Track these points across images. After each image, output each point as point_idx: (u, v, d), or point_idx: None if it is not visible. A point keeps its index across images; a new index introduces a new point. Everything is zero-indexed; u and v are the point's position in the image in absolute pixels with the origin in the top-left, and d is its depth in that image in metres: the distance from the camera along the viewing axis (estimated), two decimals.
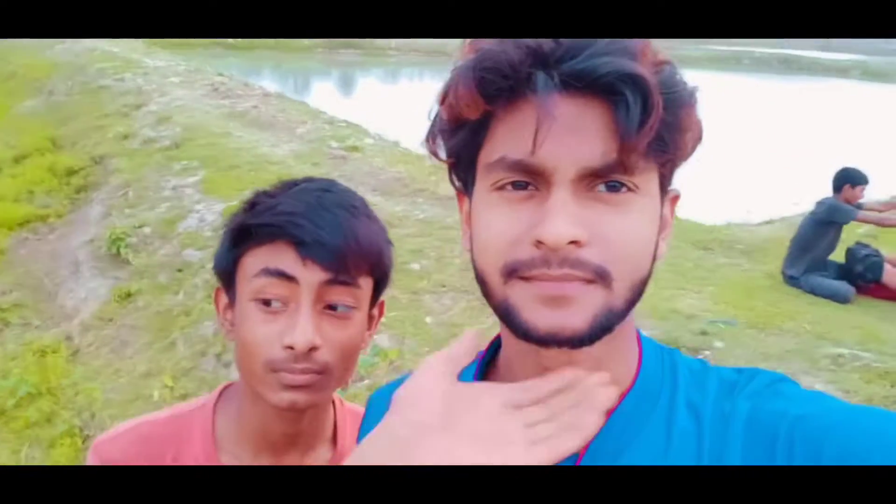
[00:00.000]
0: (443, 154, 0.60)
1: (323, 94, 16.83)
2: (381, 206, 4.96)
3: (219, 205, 5.24)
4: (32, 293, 5.19)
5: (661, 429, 0.58)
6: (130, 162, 6.54)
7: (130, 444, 0.86)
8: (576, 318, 0.52)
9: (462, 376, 0.66)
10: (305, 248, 0.76)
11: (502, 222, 0.54)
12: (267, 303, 0.77)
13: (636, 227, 0.54)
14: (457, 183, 0.62)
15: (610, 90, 0.50)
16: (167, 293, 4.48)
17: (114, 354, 4.21)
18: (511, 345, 0.62)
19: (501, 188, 0.55)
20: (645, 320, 3.98)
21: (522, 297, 0.53)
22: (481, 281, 0.57)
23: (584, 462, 0.58)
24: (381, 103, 12.37)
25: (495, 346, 0.69)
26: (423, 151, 0.62)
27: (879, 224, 5.36)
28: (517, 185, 0.54)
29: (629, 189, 0.53)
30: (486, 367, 0.69)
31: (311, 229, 0.76)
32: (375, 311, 0.89)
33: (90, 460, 0.85)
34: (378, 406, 0.74)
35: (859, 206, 5.24)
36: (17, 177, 7.05)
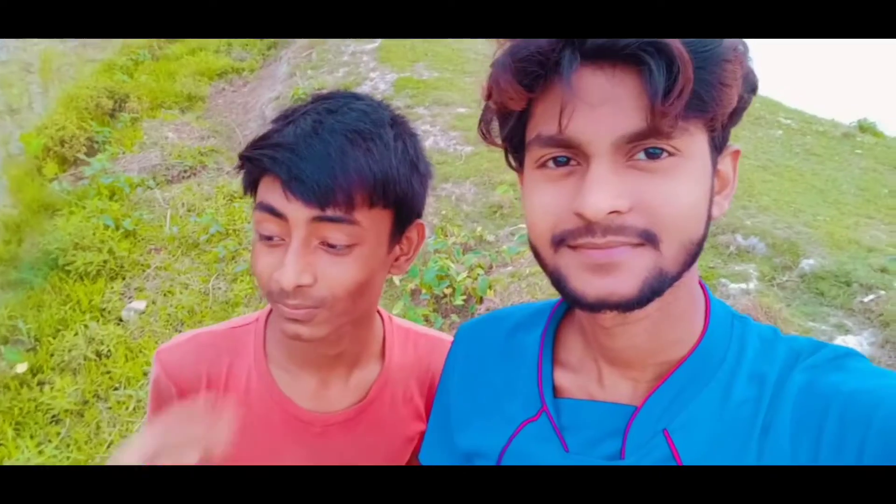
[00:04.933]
0: (496, 139, 0.63)
1: None
2: None
3: (392, 75, 5.36)
4: (226, 141, 5.75)
5: (718, 396, 0.59)
6: None
7: (189, 352, 0.88)
8: (624, 283, 0.53)
9: (537, 328, 0.72)
10: (288, 183, 0.70)
11: (546, 197, 0.56)
12: (268, 237, 0.74)
13: (681, 191, 0.53)
14: (513, 163, 0.65)
15: (635, 59, 0.51)
16: None
17: None
18: None
19: (543, 165, 0.57)
20: (816, 247, 3.70)
21: (570, 266, 0.56)
22: (534, 251, 0.60)
23: (636, 422, 0.61)
24: None
25: None
26: None
27: None
28: (559, 162, 0.56)
29: (670, 154, 0.53)
30: (561, 318, 0.73)
31: (292, 164, 0.70)
32: (413, 235, 0.83)
33: (154, 368, 0.89)
34: (466, 337, 0.80)
35: None
36: None
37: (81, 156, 5.38)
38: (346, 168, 0.70)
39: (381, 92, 5.16)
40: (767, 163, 4.79)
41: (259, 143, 0.74)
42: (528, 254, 3.42)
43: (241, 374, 0.87)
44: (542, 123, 0.55)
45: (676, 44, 0.50)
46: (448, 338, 0.93)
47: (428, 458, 0.82)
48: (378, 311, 0.93)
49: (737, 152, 0.61)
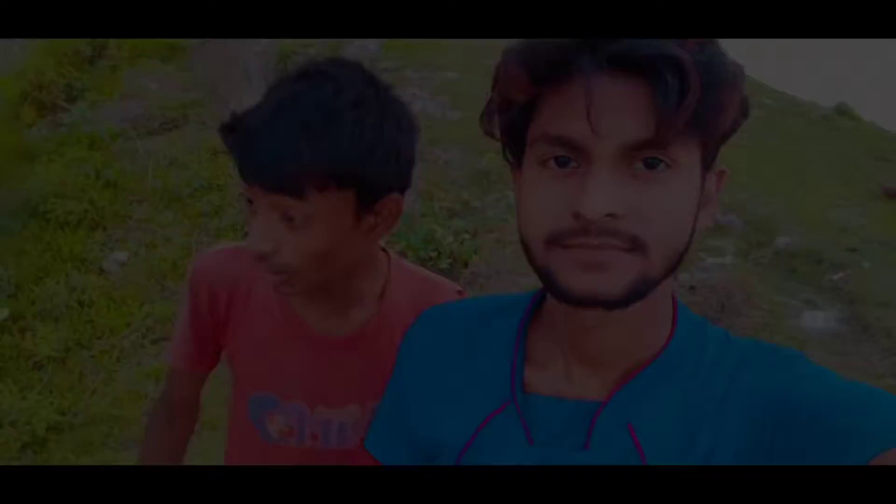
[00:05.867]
0: (497, 132, 0.64)
1: None
2: None
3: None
4: (209, 94, 5.64)
5: (678, 394, 0.63)
6: None
7: (223, 260, 0.99)
8: (611, 282, 0.56)
9: (508, 321, 0.73)
10: (242, 168, 0.80)
11: (545, 195, 0.58)
12: (249, 202, 0.83)
13: (672, 202, 0.56)
14: (510, 158, 0.65)
15: (651, 71, 0.52)
16: None
17: None
18: (555, 301, 0.65)
19: (544, 163, 0.58)
20: (791, 226, 3.80)
21: (561, 263, 0.57)
22: (525, 247, 0.61)
23: (602, 416, 0.63)
24: None
25: (542, 296, 0.72)
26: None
27: None
28: (560, 162, 0.57)
29: (667, 165, 0.55)
30: (532, 315, 0.73)
31: (246, 151, 0.80)
32: (384, 209, 0.87)
33: (190, 270, 1.01)
34: (430, 323, 0.78)
35: None
36: None
37: (61, 102, 5.26)
38: (294, 159, 0.77)
39: (370, 53, 5.12)
40: (748, 141, 4.87)
41: (234, 122, 0.83)
42: (514, 221, 3.46)
43: (262, 289, 0.98)
44: (551, 122, 0.56)
45: (689, 61, 0.52)
46: (452, 284, 1.02)
47: (375, 446, 0.78)
48: (386, 253, 1.01)
49: (723, 172, 0.63)
